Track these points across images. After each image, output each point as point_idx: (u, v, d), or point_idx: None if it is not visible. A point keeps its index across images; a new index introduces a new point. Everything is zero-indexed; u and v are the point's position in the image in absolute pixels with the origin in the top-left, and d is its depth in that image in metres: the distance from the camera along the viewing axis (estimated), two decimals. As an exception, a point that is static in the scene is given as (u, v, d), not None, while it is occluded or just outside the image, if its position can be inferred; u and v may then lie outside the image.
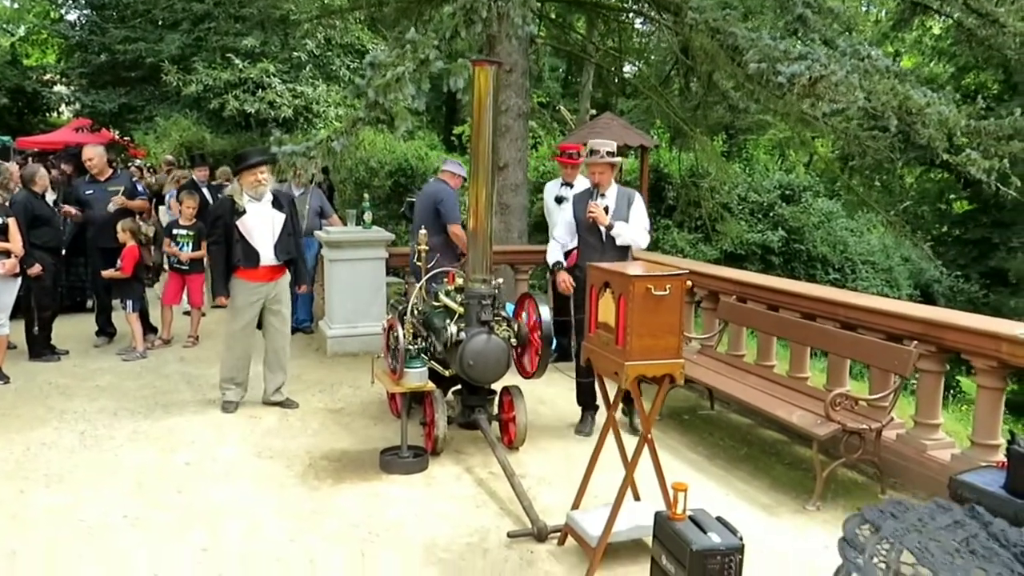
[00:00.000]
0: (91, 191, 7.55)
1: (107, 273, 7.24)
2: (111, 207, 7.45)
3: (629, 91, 16.53)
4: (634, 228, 5.18)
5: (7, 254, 6.30)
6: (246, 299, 5.73)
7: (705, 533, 2.92)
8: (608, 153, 5.18)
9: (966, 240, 20.50)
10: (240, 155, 5.94)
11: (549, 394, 6.29)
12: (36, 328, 7.12)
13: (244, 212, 5.61)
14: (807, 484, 4.63)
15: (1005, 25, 8.54)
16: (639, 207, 5.26)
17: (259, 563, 3.65)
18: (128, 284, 7.30)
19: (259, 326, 5.92)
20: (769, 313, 5.69)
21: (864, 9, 19.40)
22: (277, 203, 5.78)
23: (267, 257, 5.69)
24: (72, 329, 8.00)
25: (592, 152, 5.18)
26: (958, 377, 12.21)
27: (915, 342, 4.48)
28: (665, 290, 3.42)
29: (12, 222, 6.37)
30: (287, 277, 5.93)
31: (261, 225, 5.66)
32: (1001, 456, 4.18)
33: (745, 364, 5.92)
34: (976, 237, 20.08)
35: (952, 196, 22.00)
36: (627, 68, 16.36)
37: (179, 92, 16.08)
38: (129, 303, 7.29)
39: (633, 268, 3.63)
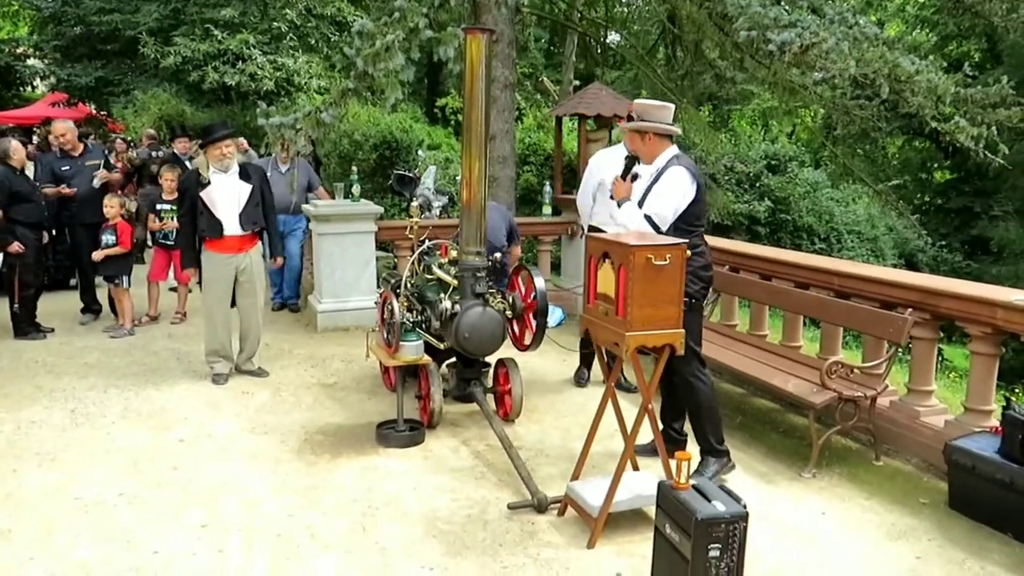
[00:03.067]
0: (67, 167, 7.39)
1: (101, 253, 7.08)
2: (96, 182, 7.33)
3: (614, 61, 16.43)
4: (634, 211, 4.04)
5: None
6: (217, 271, 5.77)
7: (709, 502, 2.92)
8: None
9: (948, 209, 20.68)
10: (205, 129, 5.99)
11: (544, 366, 6.29)
12: (17, 306, 7.00)
13: (209, 183, 5.64)
14: (802, 452, 4.66)
15: (992, -8, 8.54)
16: (660, 183, 4.04)
17: (259, 538, 3.63)
18: (125, 259, 7.23)
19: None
20: (762, 283, 5.70)
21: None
22: (244, 174, 5.80)
23: (231, 227, 5.71)
24: (56, 306, 7.89)
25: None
26: (941, 345, 12.33)
27: (909, 310, 4.49)
28: (665, 259, 3.41)
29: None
30: (258, 248, 5.98)
31: (226, 196, 5.69)
32: (994, 422, 4.23)
33: (738, 334, 5.94)
34: (958, 206, 20.25)
35: (935, 166, 22.13)
36: (612, 37, 16.22)
37: (157, 65, 15.79)
38: (124, 278, 7.22)
39: (632, 239, 3.60)
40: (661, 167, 4.09)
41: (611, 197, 4.20)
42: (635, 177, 4.14)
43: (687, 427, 4.38)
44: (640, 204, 4.05)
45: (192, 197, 5.67)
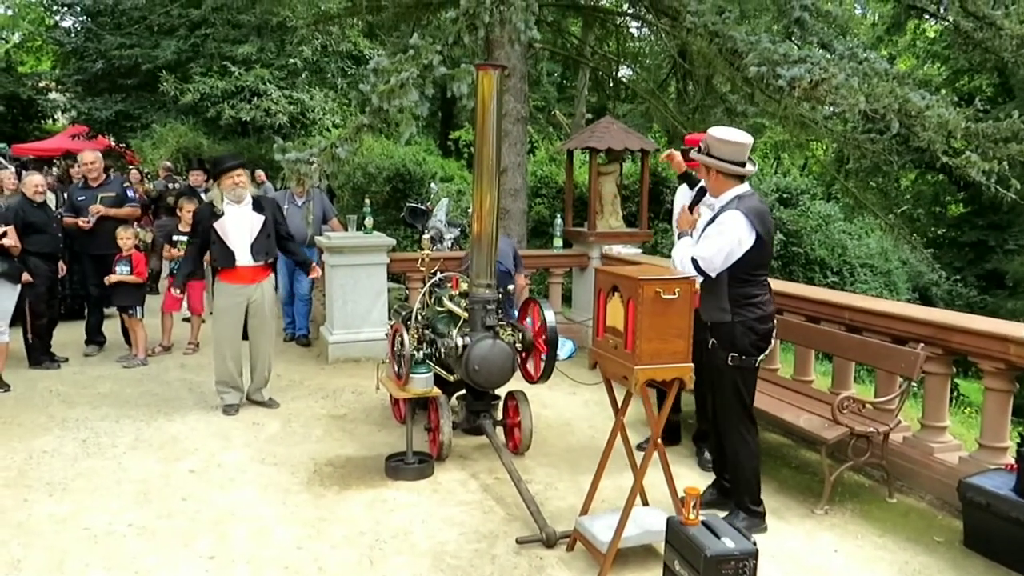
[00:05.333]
0: (83, 197, 7.50)
1: (115, 277, 7.14)
2: (91, 217, 7.35)
3: (625, 95, 16.56)
4: (686, 249, 3.98)
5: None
6: (228, 301, 5.84)
7: (719, 538, 2.90)
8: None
9: (962, 243, 20.55)
10: (217, 160, 6.14)
11: (553, 398, 6.28)
12: (30, 335, 7.06)
13: (222, 215, 5.73)
14: (814, 488, 4.62)
15: (1002, 28, 8.58)
16: (713, 226, 3.89)
17: (267, 570, 3.62)
18: (139, 290, 7.31)
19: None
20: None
21: (859, 12, 19.49)
22: (258, 206, 5.89)
23: (243, 258, 5.79)
24: (70, 336, 7.94)
25: None
26: (957, 380, 12.21)
27: (921, 344, 4.47)
28: (674, 293, 3.42)
29: (11, 230, 6.39)
30: (270, 280, 6.04)
31: (238, 227, 5.77)
32: (1009, 459, 4.18)
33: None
34: (972, 240, 20.13)
35: (948, 199, 22.06)
36: (623, 72, 16.38)
37: (176, 100, 16.03)
38: (138, 309, 7.29)
39: (642, 272, 3.61)
40: (722, 206, 3.88)
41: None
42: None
43: None
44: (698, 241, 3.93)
45: (205, 228, 5.77)
